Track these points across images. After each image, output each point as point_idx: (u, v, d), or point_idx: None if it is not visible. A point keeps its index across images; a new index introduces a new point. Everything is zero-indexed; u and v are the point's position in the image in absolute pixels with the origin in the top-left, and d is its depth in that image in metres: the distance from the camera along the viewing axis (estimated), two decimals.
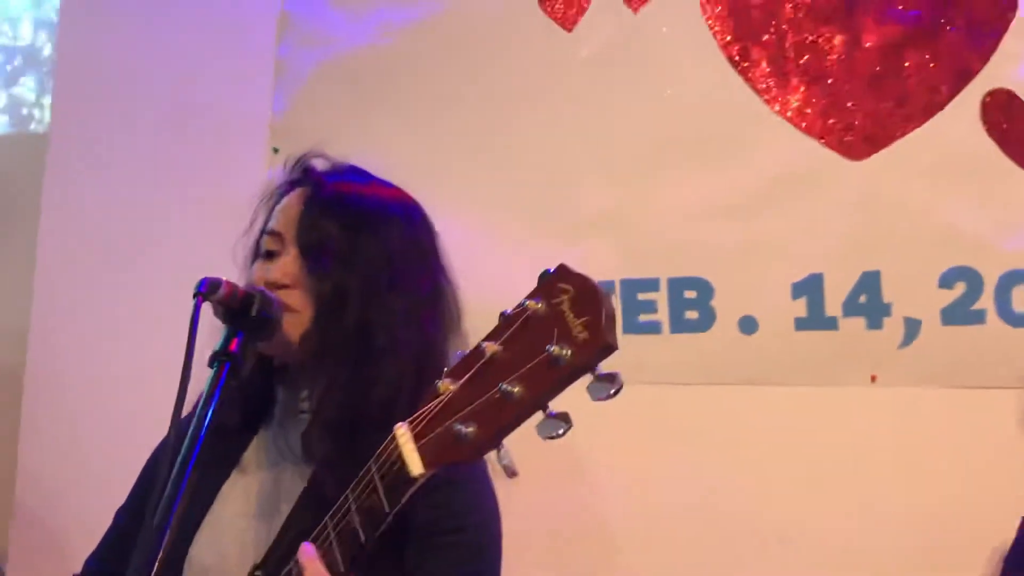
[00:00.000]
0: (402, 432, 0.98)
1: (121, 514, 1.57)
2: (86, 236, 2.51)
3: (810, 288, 2.19)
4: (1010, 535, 1.85)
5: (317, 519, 1.18)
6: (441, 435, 0.95)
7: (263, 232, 1.43)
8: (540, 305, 0.91)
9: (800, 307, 2.18)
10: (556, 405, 0.94)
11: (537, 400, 0.91)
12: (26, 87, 2.75)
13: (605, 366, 0.91)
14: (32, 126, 2.74)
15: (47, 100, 2.71)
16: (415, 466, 0.96)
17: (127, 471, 1.60)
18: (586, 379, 0.91)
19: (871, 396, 2.14)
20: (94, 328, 2.50)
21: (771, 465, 2.14)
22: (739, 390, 2.18)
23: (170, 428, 1.14)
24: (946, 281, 2.14)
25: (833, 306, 2.17)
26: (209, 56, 2.50)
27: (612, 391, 0.89)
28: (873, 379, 2.14)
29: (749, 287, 2.21)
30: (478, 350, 0.94)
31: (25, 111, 2.75)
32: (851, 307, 2.16)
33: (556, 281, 0.91)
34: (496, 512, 1.41)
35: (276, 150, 2.40)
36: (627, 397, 2.16)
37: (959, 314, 2.12)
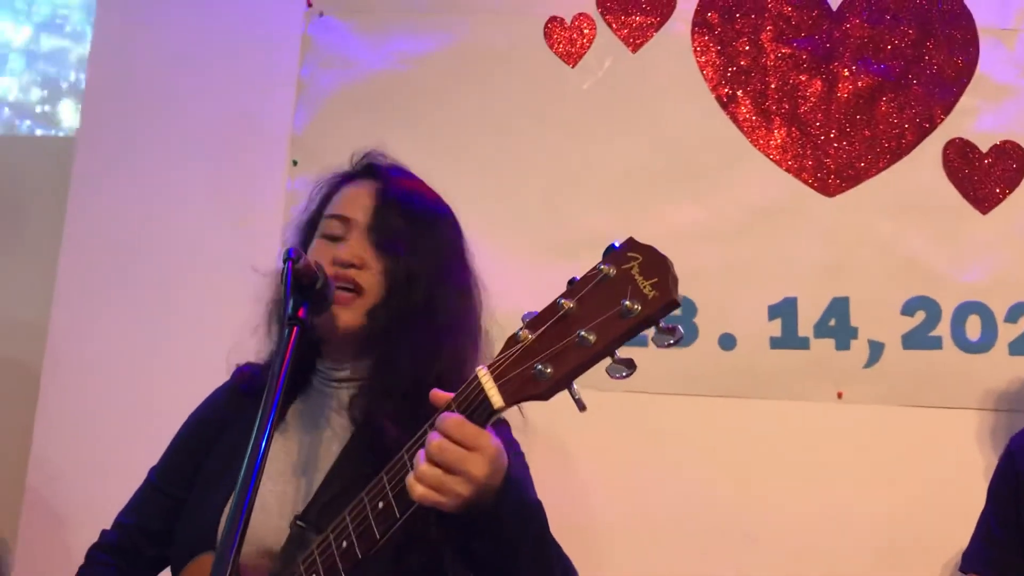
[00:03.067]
0: (483, 373, 1.14)
1: (154, 473, 1.67)
2: (108, 238, 2.61)
3: (785, 310, 2.38)
4: (961, 539, 2.03)
5: (364, 469, 1.32)
6: (520, 375, 1.11)
7: (325, 215, 1.56)
8: (611, 270, 1.08)
9: (775, 327, 2.38)
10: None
11: (608, 346, 1.07)
12: (57, 92, 2.89)
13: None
14: (59, 133, 2.86)
15: (78, 106, 2.83)
16: (496, 400, 1.12)
17: (133, 461, 1.70)
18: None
19: (837, 411, 2.33)
20: (111, 327, 2.59)
21: (744, 470, 2.32)
22: (717, 401, 2.37)
23: (268, 385, 1.25)
24: (908, 309, 2.35)
25: (805, 327, 2.37)
26: (235, 71, 2.64)
27: (672, 340, 1.07)
28: (839, 395, 2.34)
29: (729, 307, 2.39)
30: (554, 306, 1.11)
31: (53, 115, 2.88)
32: (821, 329, 2.36)
33: (626, 251, 1.09)
34: None
35: (295, 162, 2.56)
36: (614, 404, 2.35)
37: (918, 339, 2.33)
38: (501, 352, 1.14)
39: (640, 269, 1.07)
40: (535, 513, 1.34)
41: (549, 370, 1.09)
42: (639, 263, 1.07)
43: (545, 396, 1.11)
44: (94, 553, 1.66)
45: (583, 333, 1.07)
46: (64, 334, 2.61)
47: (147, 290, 2.59)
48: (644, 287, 1.06)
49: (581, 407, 1.11)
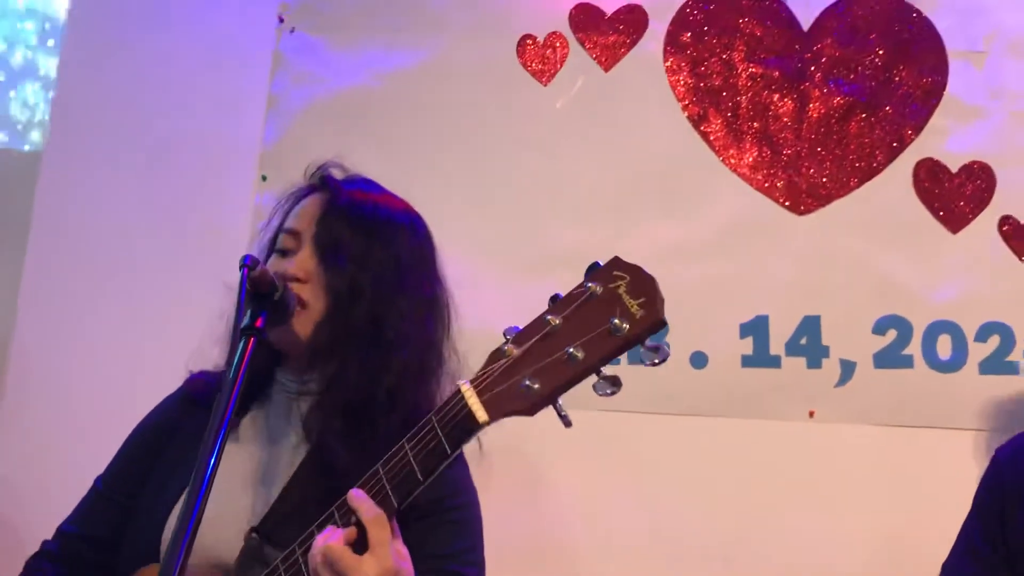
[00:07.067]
0: (466, 388, 1.14)
1: (100, 481, 1.63)
2: (74, 252, 2.58)
3: (756, 329, 2.38)
4: (935, 558, 2.01)
5: (319, 486, 1.33)
6: (506, 390, 1.11)
7: (280, 230, 1.54)
8: (598, 288, 1.11)
9: (747, 345, 2.37)
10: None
11: (596, 363, 1.09)
12: (24, 105, 2.85)
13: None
14: (26, 146, 2.83)
15: (44, 119, 2.81)
16: (481, 415, 1.12)
17: (94, 473, 1.67)
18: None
19: (809, 430, 2.32)
20: (75, 341, 2.56)
21: (716, 490, 2.30)
22: (688, 420, 2.35)
23: (219, 393, 1.22)
24: (879, 328, 2.35)
25: (777, 346, 2.36)
26: (205, 86, 2.63)
27: (659, 359, 1.09)
28: (811, 414, 2.33)
29: (701, 325, 2.38)
30: (540, 322, 1.12)
31: (21, 128, 2.85)
32: (793, 347, 2.35)
33: (612, 270, 1.12)
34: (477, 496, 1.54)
35: (264, 178, 2.54)
36: (585, 422, 2.31)
37: (890, 358, 2.32)
38: (485, 367, 1.14)
39: (628, 288, 1.10)
40: None
41: (536, 385, 1.10)
42: (627, 282, 1.10)
43: (531, 411, 1.11)
44: (33, 563, 1.61)
45: (571, 350, 1.09)
46: (27, 350, 2.57)
47: (113, 304, 2.56)
48: (632, 306, 1.08)
49: (567, 423, 1.12)
